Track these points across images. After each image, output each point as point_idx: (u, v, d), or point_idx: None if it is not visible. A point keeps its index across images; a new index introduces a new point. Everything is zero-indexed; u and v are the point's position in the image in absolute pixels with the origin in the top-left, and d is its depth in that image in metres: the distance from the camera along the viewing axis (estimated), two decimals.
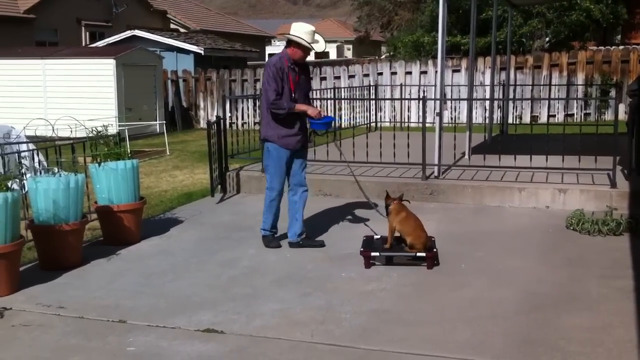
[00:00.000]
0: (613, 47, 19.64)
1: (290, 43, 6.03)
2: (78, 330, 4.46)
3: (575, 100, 16.75)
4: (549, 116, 16.69)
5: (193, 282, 5.37)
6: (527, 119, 16.73)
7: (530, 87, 16.91)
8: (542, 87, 17.07)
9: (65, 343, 4.26)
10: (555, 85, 16.93)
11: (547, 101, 16.88)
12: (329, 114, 12.87)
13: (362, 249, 5.71)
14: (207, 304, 4.86)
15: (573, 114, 16.90)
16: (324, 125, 6.26)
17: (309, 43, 5.97)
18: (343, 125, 12.88)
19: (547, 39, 24.00)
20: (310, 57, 35.02)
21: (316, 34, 6.05)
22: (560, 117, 16.76)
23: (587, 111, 16.89)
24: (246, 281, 5.38)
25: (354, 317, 4.58)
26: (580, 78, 17.05)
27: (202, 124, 19.18)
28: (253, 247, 6.32)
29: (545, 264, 5.67)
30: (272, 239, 6.38)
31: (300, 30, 5.98)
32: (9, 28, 22.72)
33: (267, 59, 35.22)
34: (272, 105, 6.00)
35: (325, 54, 38.33)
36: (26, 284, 5.29)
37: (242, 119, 18.21)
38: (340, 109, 13.34)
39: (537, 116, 17.02)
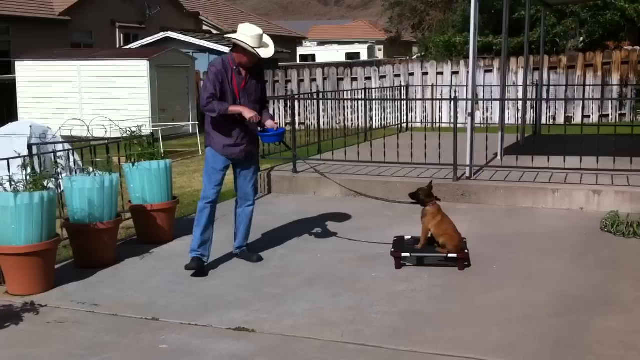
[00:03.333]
0: None
1: (235, 46, 5.55)
2: (112, 327, 4.52)
3: (610, 101, 16.51)
4: (583, 117, 16.43)
5: (224, 282, 5.42)
6: (560, 119, 16.52)
7: (564, 87, 16.70)
8: (576, 87, 16.85)
9: (99, 340, 4.33)
10: (589, 85, 16.70)
11: (581, 102, 16.65)
12: (360, 115, 12.89)
13: (392, 250, 5.70)
14: (238, 303, 4.90)
15: (608, 115, 16.65)
16: (273, 138, 5.91)
17: (254, 48, 5.42)
18: (374, 126, 12.86)
19: (581, 38, 23.70)
20: (341, 58, 34.80)
21: (265, 38, 5.56)
22: (594, 118, 16.53)
23: (622, 112, 16.63)
24: (277, 281, 5.41)
25: (384, 317, 4.58)
26: (615, 78, 16.79)
27: None
28: (283, 247, 6.35)
29: (578, 266, 5.61)
30: (192, 260, 5.61)
31: (246, 33, 5.46)
32: (45, 30, 23.12)
33: (298, 60, 35.43)
34: (204, 107, 5.55)
35: (357, 55, 38.34)
36: (61, 281, 5.39)
37: (274, 119, 18.29)
38: (371, 110, 13.32)
39: (571, 117, 16.80)
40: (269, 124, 5.81)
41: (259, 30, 5.50)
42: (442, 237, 5.61)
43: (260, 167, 5.93)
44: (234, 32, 5.65)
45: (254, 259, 5.93)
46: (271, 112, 6.46)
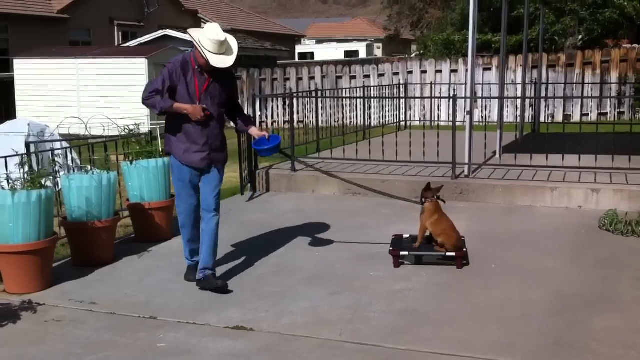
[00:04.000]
0: None
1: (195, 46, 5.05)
2: (109, 326, 4.52)
3: (608, 99, 16.51)
4: (581, 115, 16.46)
5: (223, 280, 5.40)
6: (559, 117, 16.51)
7: (563, 85, 16.70)
8: (574, 85, 16.84)
9: (97, 339, 4.32)
10: (588, 83, 16.69)
11: (579, 100, 16.66)
12: (359, 113, 12.88)
13: (391, 248, 5.70)
14: (237, 302, 4.89)
15: (606, 113, 16.65)
16: (270, 152, 5.59)
17: (209, 52, 4.94)
18: (373, 124, 12.85)
19: (580, 36, 23.69)
20: (340, 56, 34.80)
21: (230, 44, 5.08)
22: (593, 116, 16.53)
23: (621, 110, 16.63)
24: (275, 279, 5.40)
25: (382, 316, 4.57)
26: (614, 76, 16.79)
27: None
28: (282, 246, 6.34)
29: (577, 265, 5.61)
30: (190, 271, 5.42)
31: (208, 36, 4.94)
32: (43, 28, 23.09)
33: (297, 57, 35.41)
34: (144, 101, 5.12)
35: (355, 53, 38.33)
36: (59, 280, 5.38)
37: (272, 117, 18.30)
38: (369, 108, 13.31)
39: (570, 115, 16.80)
40: (254, 132, 5.52)
41: (222, 37, 4.98)
42: (441, 236, 5.61)
43: (224, 177, 5.44)
44: (201, 29, 5.14)
45: (219, 284, 5.12)
46: (249, 112, 5.90)
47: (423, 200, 5.81)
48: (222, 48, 4.99)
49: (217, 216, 5.29)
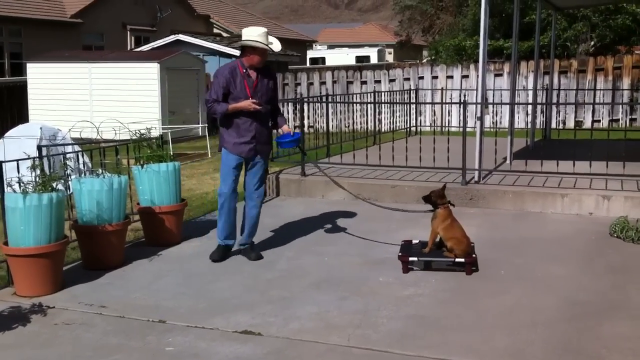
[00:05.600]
0: None
1: (245, 49, 5.86)
2: (119, 329, 4.54)
3: (620, 105, 16.44)
4: (593, 121, 16.40)
5: (231, 284, 5.42)
6: (570, 124, 16.47)
7: (575, 91, 16.65)
8: (586, 91, 16.79)
9: (106, 342, 4.34)
10: (600, 89, 16.64)
11: (591, 106, 16.60)
12: (369, 118, 12.88)
13: (400, 254, 5.69)
14: (245, 306, 4.90)
15: (618, 119, 16.59)
16: (290, 144, 6.17)
17: (265, 44, 5.79)
18: (383, 130, 12.85)
19: (592, 42, 23.60)
20: (351, 61, 34.84)
21: (269, 36, 5.90)
22: (605, 123, 16.46)
23: (633, 116, 16.57)
24: (283, 284, 5.41)
25: (391, 321, 4.57)
26: (626, 83, 16.72)
27: None
28: (291, 250, 6.35)
29: (587, 272, 5.58)
30: (216, 250, 6.10)
31: (253, 34, 5.80)
32: (57, 32, 23.25)
33: (308, 63, 35.45)
34: (208, 111, 6.07)
35: (367, 58, 38.35)
36: (69, 283, 5.41)
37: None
38: (380, 113, 13.32)
39: (581, 121, 16.75)
40: (285, 128, 6.15)
41: (263, 29, 5.86)
42: (450, 241, 5.60)
43: (269, 169, 6.17)
44: (240, 38, 5.98)
45: (252, 256, 6.06)
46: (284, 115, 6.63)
47: (436, 205, 5.79)
48: (267, 39, 5.82)
49: (260, 201, 6.16)
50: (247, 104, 5.80)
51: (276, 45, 5.93)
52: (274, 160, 9.47)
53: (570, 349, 4.09)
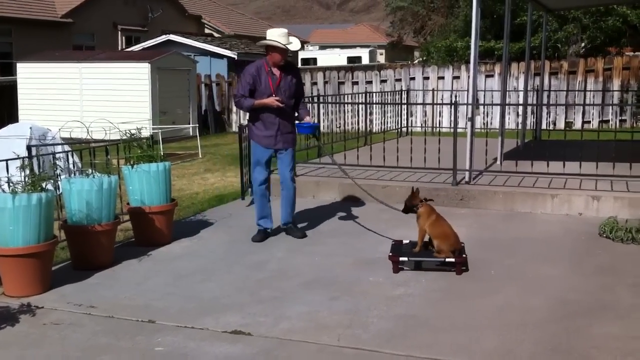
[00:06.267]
0: None
1: (268, 49, 6.48)
2: (108, 329, 4.52)
3: (610, 107, 16.51)
4: (583, 122, 16.47)
5: (221, 284, 5.41)
6: (561, 125, 16.54)
7: (565, 92, 16.71)
8: (576, 92, 16.86)
9: (95, 342, 4.32)
10: (590, 91, 16.71)
11: (581, 107, 16.67)
12: (361, 119, 12.89)
13: (390, 254, 5.69)
14: (235, 306, 4.89)
15: (608, 121, 16.66)
16: (308, 129, 6.73)
17: (283, 44, 6.37)
18: (374, 130, 12.86)
19: (583, 44, 23.70)
20: (343, 62, 34.81)
21: (290, 37, 6.48)
22: (595, 124, 16.54)
23: (623, 117, 16.65)
24: (274, 284, 5.40)
25: (381, 321, 4.57)
26: (616, 84, 16.80)
27: (235, 127, 19.32)
28: (281, 250, 6.34)
29: (576, 272, 5.60)
30: (257, 233, 6.75)
31: (274, 34, 6.42)
32: (47, 32, 23.16)
33: (300, 63, 35.42)
34: (236, 105, 6.67)
35: (358, 59, 38.38)
36: (58, 283, 5.38)
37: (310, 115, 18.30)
38: (371, 114, 13.33)
39: (572, 122, 16.82)
40: (306, 118, 6.74)
41: (284, 30, 6.49)
42: (438, 239, 5.60)
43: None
44: (268, 36, 6.52)
45: (298, 235, 6.74)
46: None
47: (415, 208, 5.81)
48: (288, 40, 6.42)
49: (293, 185, 6.82)
50: (271, 101, 6.37)
51: (295, 45, 6.52)
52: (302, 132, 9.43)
53: (560, 349, 4.10)
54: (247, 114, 6.84)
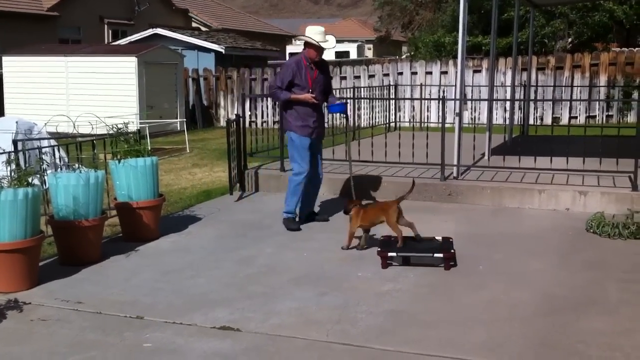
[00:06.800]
0: (636, 48, 19.42)
1: (306, 44, 6.80)
2: (95, 325, 4.49)
3: (597, 102, 16.60)
4: (570, 118, 16.55)
5: (210, 280, 5.39)
6: (548, 120, 16.61)
7: (552, 88, 16.78)
8: (563, 88, 16.93)
9: (83, 338, 4.30)
10: (577, 86, 16.78)
11: (568, 102, 16.75)
12: (349, 114, 12.87)
13: (379, 249, 5.70)
14: (224, 302, 4.88)
15: (595, 116, 16.75)
16: (338, 107, 6.96)
17: (319, 42, 6.65)
18: (362, 125, 12.87)
19: (570, 39, 23.81)
20: (331, 57, 34.76)
21: (327, 35, 6.75)
22: (582, 119, 16.62)
23: (610, 113, 16.74)
24: (263, 279, 5.39)
25: (369, 317, 4.57)
26: (602, 79, 16.89)
27: (223, 122, 19.24)
28: (270, 246, 6.33)
29: (564, 267, 5.63)
30: (292, 221, 6.93)
31: (311, 31, 6.73)
32: (33, 25, 22.96)
33: (287, 57, 35.35)
34: (270, 94, 7.03)
35: (346, 54, 38.33)
36: (45, 278, 5.35)
37: (262, 117, 18.28)
38: (359, 109, 13.32)
39: (559, 117, 16.89)
40: (334, 101, 7.09)
41: (321, 28, 6.78)
42: (381, 217, 5.98)
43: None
44: (306, 32, 6.83)
45: (326, 217, 7.21)
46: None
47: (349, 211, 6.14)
48: (324, 37, 6.72)
49: (322, 176, 7.18)
50: (308, 97, 6.69)
51: (329, 43, 6.76)
52: (253, 155, 9.44)
53: (547, 344, 4.12)
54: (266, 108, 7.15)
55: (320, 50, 6.73)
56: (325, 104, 7.05)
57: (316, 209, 7.42)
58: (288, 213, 6.94)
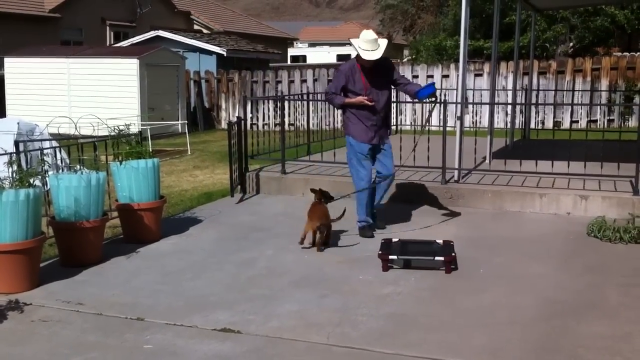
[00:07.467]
0: (638, 53, 19.43)
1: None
2: (96, 327, 4.49)
3: (598, 106, 16.59)
4: (571, 122, 16.54)
5: (211, 282, 5.39)
6: (549, 124, 16.61)
7: (553, 92, 16.78)
8: (565, 92, 16.93)
9: (84, 339, 4.30)
10: (578, 90, 16.78)
11: (570, 107, 16.74)
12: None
13: (380, 252, 5.70)
14: (224, 304, 4.88)
15: (596, 120, 16.74)
16: (426, 90, 6.62)
17: (364, 50, 6.36)
18: None
19: (571, 44, 23.82)
20: (332, 59, 34.64)
21: (379, 41, 6.39)
22: (583, 123, 16.62)
23: (611, 117, 16.74)
24: (263, 282, 5.39)
25: (370, 320, 4.57)
26: (604, 84, 16.89)
27: (224, 124, 19.26)
28: (271, 248, 6.33)
29: (565, 271, 5.63)
30: (366, 230, 6.73)
31: (362, 38, 6.40)
32: (35, 27, 22.98)
33: (289, 60, 35.37)
34: (327, 99, 6.82)
35: (348, 57, 38.31)
36: (46, 280, 5.35)
37: (263, 120, 18.28)
38: None
39: (560, 122, 16.88)
40: (417, 87, 6.79)
41: (372, 36, 6.39)
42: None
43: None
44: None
45: (382, 225, 6.91)
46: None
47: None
48: (374, 46, 6.36)
49: (392, 176, 6.82)
50: (359, 100, 6.48)
51: (375, 54, 6.34)
52: (254, 158, 9.44)
53: (547, 348, 4.12)
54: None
55: (365, 59, 6.42)
56: (411, 91, 6.70)
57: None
58: (360, 222, 6.78)
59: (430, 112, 7.77)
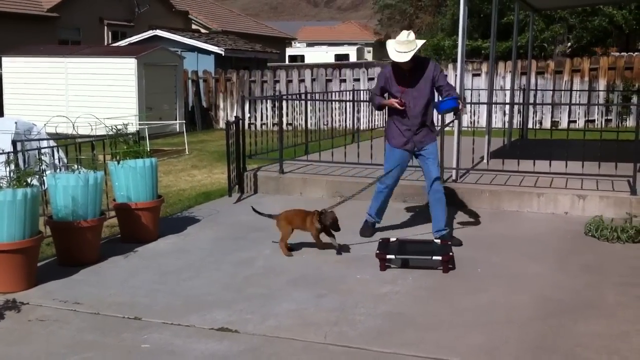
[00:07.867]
0: (636, 53, 19.45)
1: None
2: (93, 326, 4.49)
3: (596, 106, 16.62)
4: (569, 122, 16.56)
5: (208, 281, 5.39)
6: (547, 124, 16.63)
7: (551, 92, 16.80)
8: (563, 92, 16.95)
9: (81, 339, 4.29)
10: (576, 90, 16.81)
11: (567, 107, 16.76)
12: (348, 117, 12.90)
13: (377, 251, 5.70)
14: (222, 303, 4.87)
15: (594, 120, 16.76)
16: (447, 104, 6.22)
17: (396, 52, 6.12)
18: (362, 128, 12.87)
19: (569, 44, 23.85)
20: (330, 59, 34.67)
21: (408, 42, 6.06)
22: (581, 123, 16.63)
23: (609, 117, 16.75)
24: (261, 281, 5.39)
25: (367, 319, 4.57)
26: (602, 84, 16.91)
27: (222, 124, 19.26)
28: (269, 248, 6.33)
29: (562, 271, 5.63)
30: (367, 228, 6.69)
31: (392, 42, 6.23)
32: (33, 26, 22.97)
33: (287, 60, 35.39)
34: (369, 99, 6.57)
35: (346, 57, 38.37)
36: (43, 279, 5.34)
37: (261, 119, 18.29)
38: (358, 111, 13.33)
39: (558, 121, 16.91)
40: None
41: (403, 38, 6.13)
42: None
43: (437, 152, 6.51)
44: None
45: (457, 241, 6.32)
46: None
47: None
48: (406, 47, 6.09)
49: (440, 187, 6.43)
50: (390, 102, 6.33)
51: (402, 56, 6.06)
52: (252, 157, 9.44)
53: (545, 347, 4.12)
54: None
55: (397, 62, 6.19)
56: (436, 102, 6.40)
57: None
58: (368, 215, 6.71)
59: (446, 124, 7.52)
